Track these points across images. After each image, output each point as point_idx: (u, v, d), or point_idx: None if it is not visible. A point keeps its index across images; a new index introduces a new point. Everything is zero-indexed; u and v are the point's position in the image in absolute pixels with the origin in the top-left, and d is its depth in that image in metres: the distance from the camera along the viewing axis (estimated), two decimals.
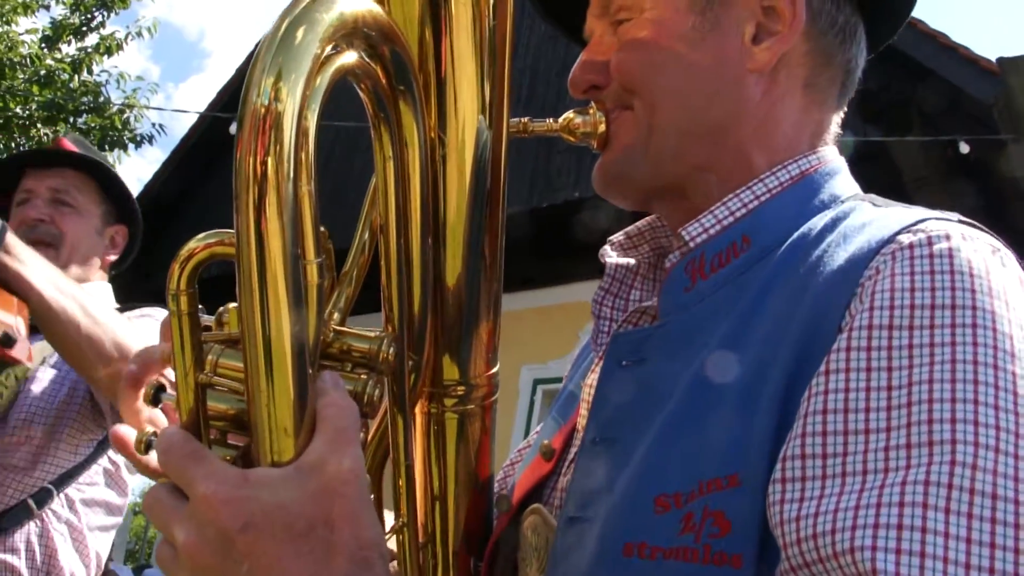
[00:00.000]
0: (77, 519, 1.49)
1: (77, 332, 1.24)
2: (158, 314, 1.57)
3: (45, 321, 1.26)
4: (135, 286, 2.25)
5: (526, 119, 0.80)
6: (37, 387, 1.42)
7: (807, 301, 0.64)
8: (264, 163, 0.46)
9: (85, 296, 1.27)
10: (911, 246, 0.61)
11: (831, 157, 0.79)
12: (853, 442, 0.55)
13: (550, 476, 0.82)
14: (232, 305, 0.59)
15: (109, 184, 1.67)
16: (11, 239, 1.21)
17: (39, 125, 10.90)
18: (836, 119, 0.84)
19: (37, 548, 1.42)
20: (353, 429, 0.54)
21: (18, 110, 10.85)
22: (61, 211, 1.61)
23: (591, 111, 0.79)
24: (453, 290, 0.68)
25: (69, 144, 1.67)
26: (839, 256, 0.65)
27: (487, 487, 0.84)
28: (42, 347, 1.39)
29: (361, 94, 0.57)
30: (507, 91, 0.71)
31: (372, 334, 0.60)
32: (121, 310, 1.61)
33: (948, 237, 0.62)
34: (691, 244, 0.74)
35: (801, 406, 0.59)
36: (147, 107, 11.04)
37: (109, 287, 1.70)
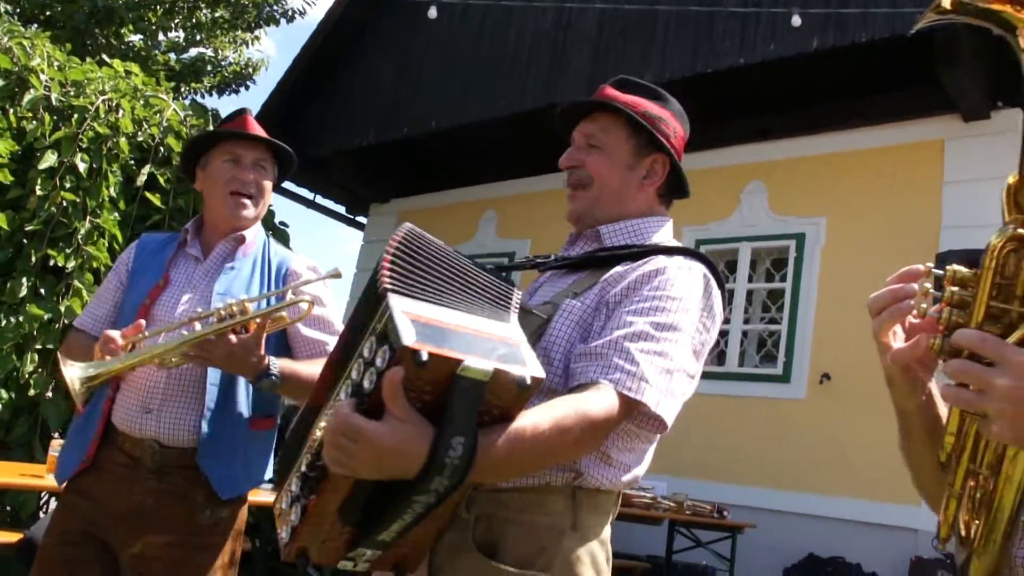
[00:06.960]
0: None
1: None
2: (695, 267, 1.64)
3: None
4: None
5: None
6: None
7: None
8: None
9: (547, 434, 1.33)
10: None
11: None
12: None
13: None
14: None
15: (637, 120, 1.78)
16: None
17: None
18: None
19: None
20: None
21: None
22: (591, 154, 1.78)
23: None
24: None
25: (611, 90, 1.81)
26: None
27: None
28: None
29: None
30: None
31: None
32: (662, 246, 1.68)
33: None
34: None
35: None
36: None
37: (669, 221, 1.80)
